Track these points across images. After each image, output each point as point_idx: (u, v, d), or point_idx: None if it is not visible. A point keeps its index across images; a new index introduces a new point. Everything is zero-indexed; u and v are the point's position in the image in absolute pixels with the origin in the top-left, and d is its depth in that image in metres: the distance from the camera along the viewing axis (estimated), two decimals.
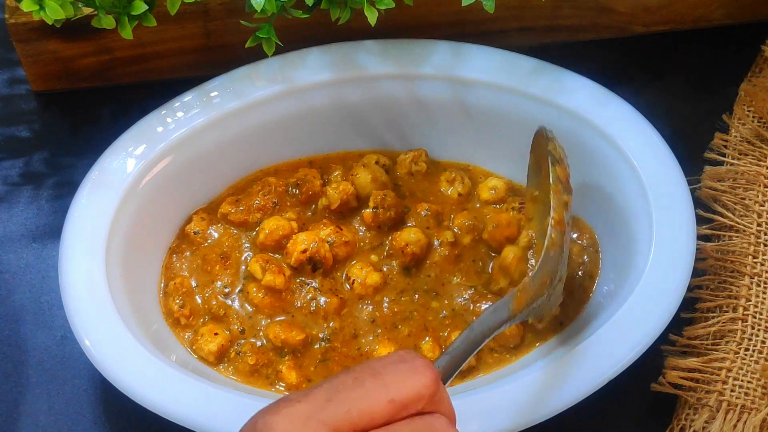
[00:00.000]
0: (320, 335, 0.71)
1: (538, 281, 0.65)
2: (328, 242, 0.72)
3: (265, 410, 0.49)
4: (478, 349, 0.59)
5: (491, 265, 0.73)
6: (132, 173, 0.73)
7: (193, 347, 0.71)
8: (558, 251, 0.66)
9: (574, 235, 0.75)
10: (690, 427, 0.69)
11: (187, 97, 0.76)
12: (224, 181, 0.78)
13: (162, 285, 0.74)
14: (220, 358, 0.70)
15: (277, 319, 0.71)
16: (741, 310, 0.72)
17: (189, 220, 0.76)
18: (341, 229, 0.73)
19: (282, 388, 0.69)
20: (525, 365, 0.69)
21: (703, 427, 0.68)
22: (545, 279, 0.66)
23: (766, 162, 0.78)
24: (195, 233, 0.75)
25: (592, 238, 0.75)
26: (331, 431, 0.47)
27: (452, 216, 0.75)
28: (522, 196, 0.76)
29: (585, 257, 0.74)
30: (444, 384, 0.54)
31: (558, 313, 0.70)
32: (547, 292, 0.66)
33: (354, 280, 0.72)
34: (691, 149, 0.79)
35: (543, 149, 0.69)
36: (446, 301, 0.72)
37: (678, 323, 0.71)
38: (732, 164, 0.78)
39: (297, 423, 0.47)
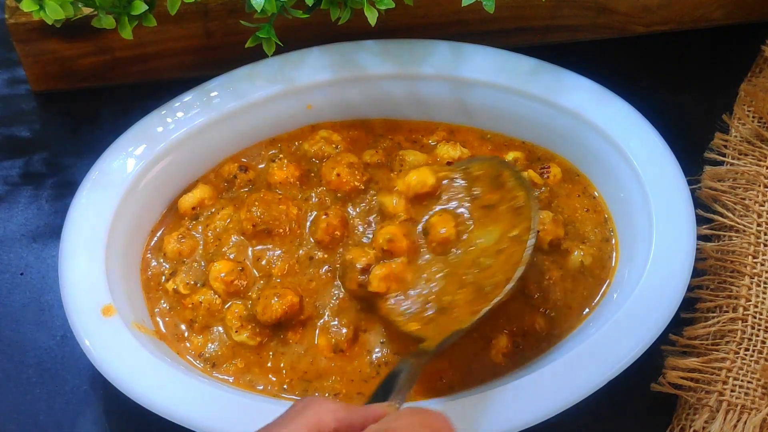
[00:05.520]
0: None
1: (468, 328, 0.66)
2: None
3: None
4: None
5: None
6: (132, 173, 0.73)
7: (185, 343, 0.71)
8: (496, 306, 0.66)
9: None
10: (690, 427, 0.69)
11: (187, 97, 0.76)
12: None
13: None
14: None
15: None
16: (741, 310, 0.72)
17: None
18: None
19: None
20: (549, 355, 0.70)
21: (703, 427, 0.68)
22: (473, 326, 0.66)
23: (766, 162, 0.78)
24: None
25: (610, 224, 0.75)
26: None
27: None
28: (543, 161, 0.77)
29: (601, 238, 0.74)
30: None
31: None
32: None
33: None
34: (691, 149, 0.79)
35: (522, 196, 0.69)
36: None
37: (678, 323, 0.71)
38: (732, 164, 0.78)
39: None
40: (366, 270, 0.70)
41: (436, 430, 0.52)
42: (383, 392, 0.59)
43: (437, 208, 0.72)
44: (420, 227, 0.72)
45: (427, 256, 0.71)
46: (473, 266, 0.69)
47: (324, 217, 0.73)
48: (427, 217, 0.72)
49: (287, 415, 0.53)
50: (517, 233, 0.68)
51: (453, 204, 0.72)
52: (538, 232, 0.71)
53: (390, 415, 0.54)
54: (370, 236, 0.73)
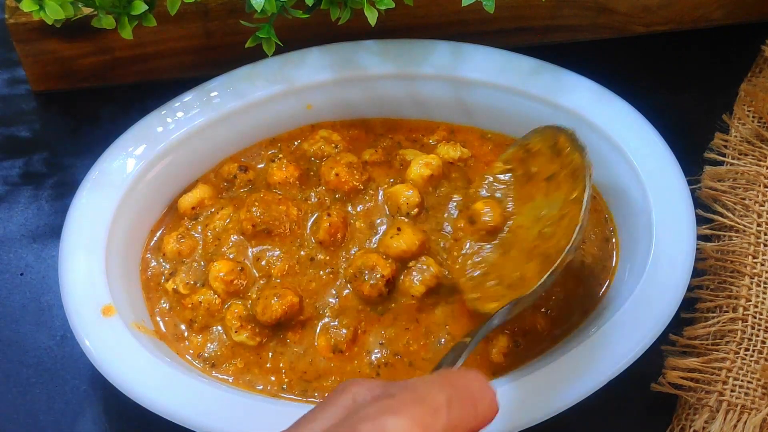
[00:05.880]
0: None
1: (535, 295, 0.66)
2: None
3: (383, 408, 0.49)
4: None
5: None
6: (132, 173, 0.73)
7: (185, 343, 0.71)
8: (562, 271, 0.66)
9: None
10: (690, 427, 0.69)
11: (187, 97, 0.76)
12: None
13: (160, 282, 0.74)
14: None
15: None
16: (741, 310, 0.72)
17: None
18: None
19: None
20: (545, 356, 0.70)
21: (703, 427, 0.68)
22: (541, 294, 0.66)
23: (766, 162, 0.78)
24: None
25: (610, 224, 0.75)
26: None
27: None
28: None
29: (606, 241, 0.74)
30: None
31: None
32: (535, 301, 0.67)
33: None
34: (691, 149, 0.79)
35: (577, 158, 0.69)
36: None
37: (678, 323, 0.71)
38: (732, 164, 0.78)
39: (421, 429, 0.48)
40: (388, 281, 0.71)
41: (460, 387, 0.51)
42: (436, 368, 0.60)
43: (483, 192, 0.73)
44: (455, 213, 0.74)
45: (489, 246, 0.71)
46: (538, 238, 0.69)
47: (327, 216, 0.73)
48: (454, 205, 0.74)
49: (326, 400, 0.53)
50: (577, 195, 0.68)
51: (494, 192, 0.73)
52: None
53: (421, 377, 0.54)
54: (376, 240, 0.73)
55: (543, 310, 0.71)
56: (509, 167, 0.73)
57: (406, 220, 0.73)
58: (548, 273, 0.65)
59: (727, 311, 0.72)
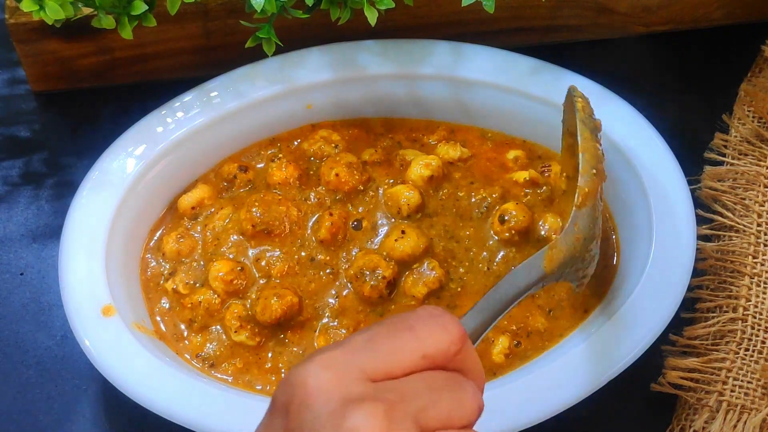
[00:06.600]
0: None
1: (570, 239, 0.64)
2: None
3: (299, 363, 0.48)
4: (508, 310, 0.58)
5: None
6: (132, 173, 0.73)
7: (184, 343, 0.71)
8: (590, 208, 0.65)
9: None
10: (690, 427, 0.69)
11: (187, 97, 0.76)
12: None
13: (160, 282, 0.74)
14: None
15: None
16: (741, 310, 0.72)
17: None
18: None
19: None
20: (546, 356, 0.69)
21: (703, 427, 0.68)
22: (578, 236, 0.64)
23: (766, 162, 0.78)
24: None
25: (611, 224, 0.75)
26: (366, 377, 0.47)
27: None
28: (543, 160, 0.77)
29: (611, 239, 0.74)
30: (474, 343, 0.54)
31: (592, 273, 0.67)
32: (581, 253, 0.64)
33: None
34: (691, 149, 0.79)
35: (570, 110, 0.69)
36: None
37: (678, 323, 0.71)
38: (732, 164, 0.78)
39: (333, 368, 0.47)
40: (389, 282, 0.71)
41: (391, 322, 0.49)
42: None
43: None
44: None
45: None
46: None
47: (329, 216, 0.73)
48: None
49: None
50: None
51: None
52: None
53: None
54: (377, 241, 0.73)
55: (544, 309, 0.71)
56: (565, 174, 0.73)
57: (410, 222, 0.74)
58: (572, 211, 0.64)
59: (727, 311, 0.72)
